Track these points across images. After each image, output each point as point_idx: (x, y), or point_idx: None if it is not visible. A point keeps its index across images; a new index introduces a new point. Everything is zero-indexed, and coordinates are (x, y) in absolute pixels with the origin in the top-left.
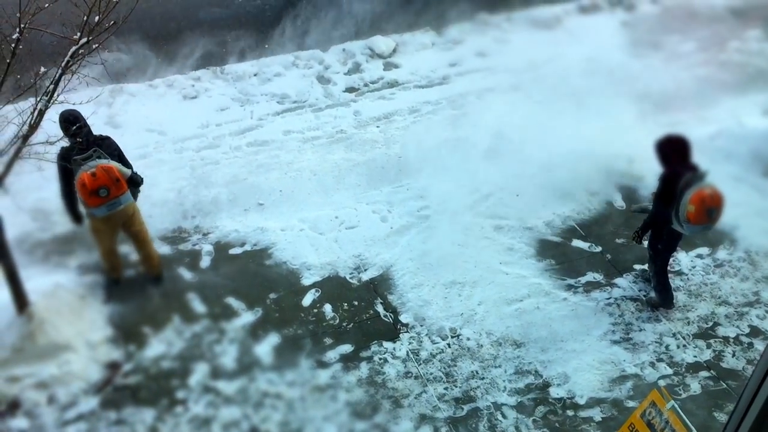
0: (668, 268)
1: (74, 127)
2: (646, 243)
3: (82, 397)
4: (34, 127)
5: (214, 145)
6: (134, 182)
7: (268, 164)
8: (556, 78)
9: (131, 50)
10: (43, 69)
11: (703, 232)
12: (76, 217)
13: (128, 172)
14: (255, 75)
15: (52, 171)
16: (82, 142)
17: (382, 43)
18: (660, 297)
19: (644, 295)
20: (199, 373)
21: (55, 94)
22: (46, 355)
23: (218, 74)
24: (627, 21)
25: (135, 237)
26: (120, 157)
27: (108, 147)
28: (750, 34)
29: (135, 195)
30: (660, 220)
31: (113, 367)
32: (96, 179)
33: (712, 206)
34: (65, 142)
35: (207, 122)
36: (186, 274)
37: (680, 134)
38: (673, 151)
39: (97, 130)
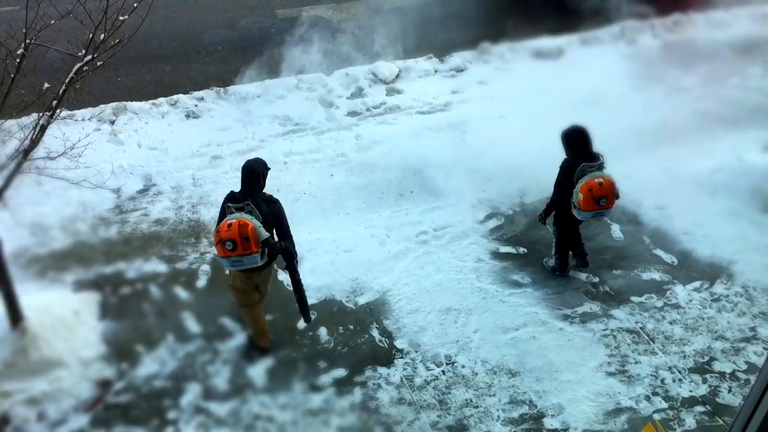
0: (581, 247)
1: (248, 178)
2: (549, 225)
3: (72, 415)
4: (35, 142)
5: (215, 164)
6: (272, 250)
7: (269, 185)
8: (557, 108)
9: (136, 69)
10: (47, 85)
11: (597, 217)
12: None
13: (265, 234)
14: (258, 96)
15: (51, 186)
16: (243, 194)
17: (385, 68)
18: (556, 263)
19: (641, 327)
20: (191, 393)
21: (58, 110)
22: (38, 371)
23: (222, 95)
24: (628, 54)
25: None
26: (279, 224)
27: (269, 209)
28: (750, 71)
29: (269, 262)
30: (559, 205)
31: (105, 385)
32: (228, 230)
33: (600, 195)
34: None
35: (209, 142)
36: (182, 293)
37: (581, 125)
38: (574, 141)
39: (98, 146)
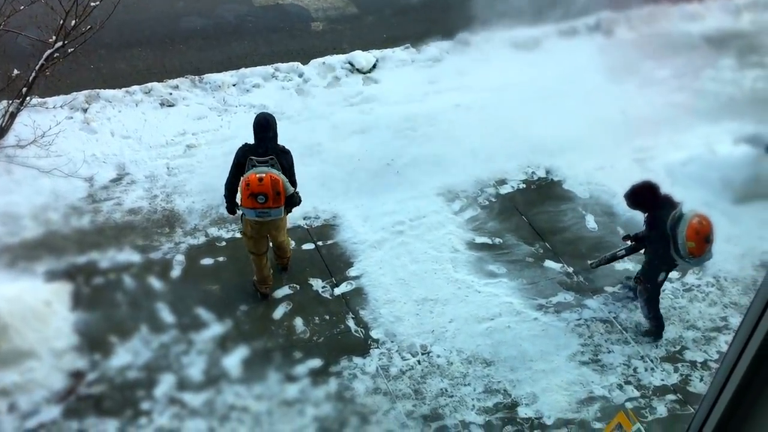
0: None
1: (263, 131)
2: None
3: (44, 406)
4: (5, 129)
5: (190, 153)
6: (292, 202)
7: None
8: (533, 99)
9: (109, 56)
10: (16, 71)
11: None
12: (232, 209)
13: (291, 189)
14: (234, 85)
15: (22, 174)
16: (265, 147)
17: (362, 58)
18: (655, 325)
19: (614, 317)
20: (165, 384)
21: (28, 98)
22: (9, 362)
23: (197, 83)
24: (604, 46)
25: (278, 247)
26: (290, 173)
27: (285, 160)
28: (724, 63)
29: (288, 212)
30: (657, 261)
31: (77, 375)
32: (261, 185)
33: (707, 234)
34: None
35: (184, 130)
36: (156, 284)
37: (645, 181)
38: (645, 198)
39: (70, 135)
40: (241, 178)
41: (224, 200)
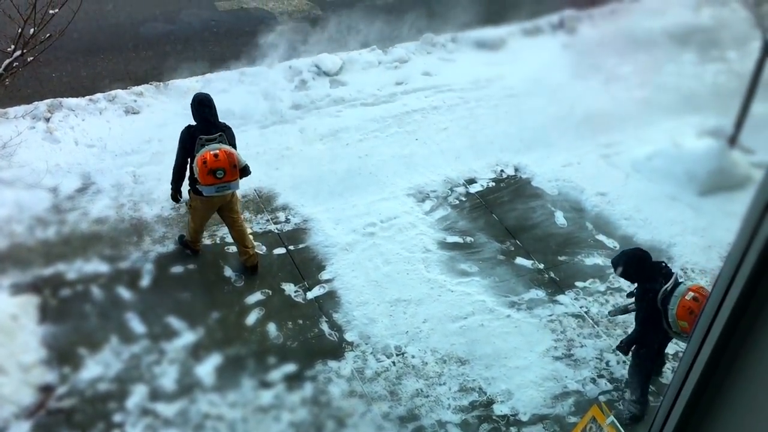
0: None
1: (206, 110)
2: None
3: (13, 422)
4: None
5: (157, 161)
6: (245, 172)
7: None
8: (499, 98)
9: (71, 64)
10: None
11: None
12: (177, 193)
13: (244, 161)
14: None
15: None
16: (212, 124)
17: (329, 60)
18: (641, 408)
19: (585, 312)
20: (138, 395)
21: None
22: None
23: (161, 89)
24: (568, 44)
25: (231, 224)
26: (235, 147)
27: (230, 135)
28: (685, 58)
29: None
30: (650, 336)
31: (46, 390)
32: (217, 160)
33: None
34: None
35: (149, 138)
36: (125, 293)
37: (635, 249)
38: (637, 269)
39: (33, 145)
40: (197, 156)
41: (171, 186)
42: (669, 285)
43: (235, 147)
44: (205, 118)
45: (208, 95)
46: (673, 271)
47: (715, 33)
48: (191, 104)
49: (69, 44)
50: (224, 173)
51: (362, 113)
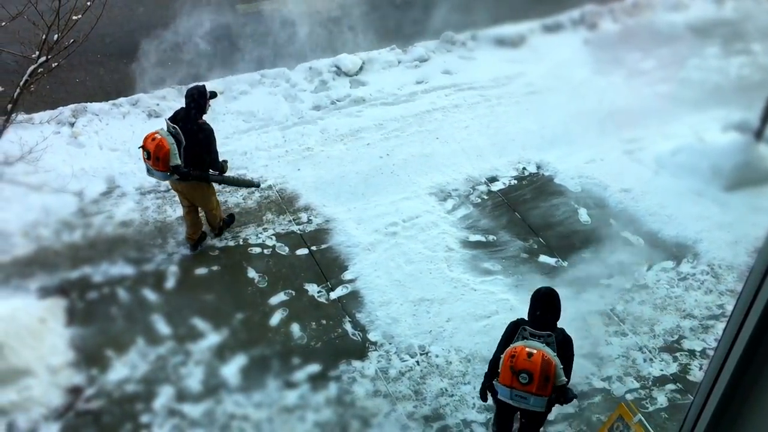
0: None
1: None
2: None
3: (42, 424)
4: None
5: None
6: (183, 175)
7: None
8: (520, 95)
9: (94, 69)
10: (0, 88)
11: (519, 402)
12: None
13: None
14: (221, 93)
15: (11, 191)
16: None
17: (349, 60)
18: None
19: (611, 309)
20: (164, 396)
21: (13, 114)
22: (6, 381)
23: (183, 92)
24: (589, 39)
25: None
26: (207, 149)
27: (200, 134)
28: (709, 52)
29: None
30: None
31: (75, 391)
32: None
33: (519, 368)
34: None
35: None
36: (150, 295)
37: (546, 289)
38: (537, 303)
39: (58, 149)
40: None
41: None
42: (522, 329)
43: (207, 149)
44: (185, 107)
45: (192, 88)
46: (549, 333)
47: (739, 25)
48: (206, 97)
49: (92, 49)
50: (148, 156)
51: (383, 113)
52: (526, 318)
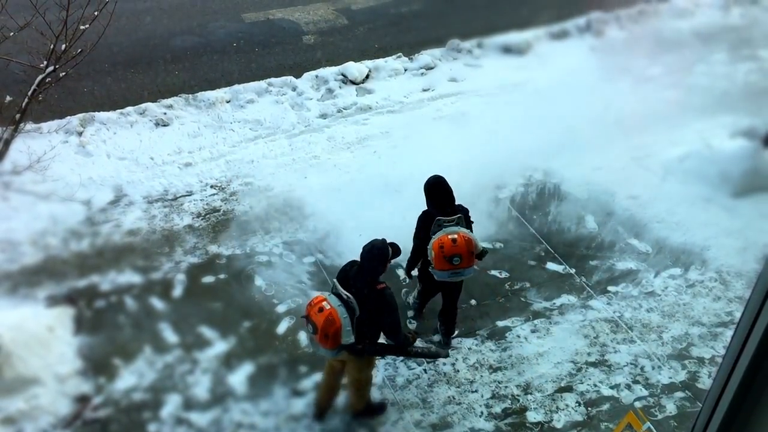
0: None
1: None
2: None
3: None
4: (0, 156)
5: (187, 172)
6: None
7: (242, 191)
8: (527, 102)
9: (102, 78)
10: (9, 98)
11: (454, 277)
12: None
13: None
14: (228, 102)
15: (19, 200)
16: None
17: (355, 69)
18: (414, 304)
19: (619, 317)
20: (172, 404)
21: (22, 124)
22: (14, 389)
23: (190, 101)
24: (595, 46)
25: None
26: (380, 316)
27: (376, 303)
28: (715, 58)
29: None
30: (420, 258)
31: (83, 400)
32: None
33: (452, 253)
34: None
35: (179, 149)
36: (158, 304)
37: (440, 177)
38: (431, 192)
39: (66, 158)
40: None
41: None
42: (446, 219)
43: (378, 314)
44: (361, 267)
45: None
46: (463, 219)
47: (746, 31)
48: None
49: (100, 59)
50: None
51: (389, 120)
52: (428, 208)
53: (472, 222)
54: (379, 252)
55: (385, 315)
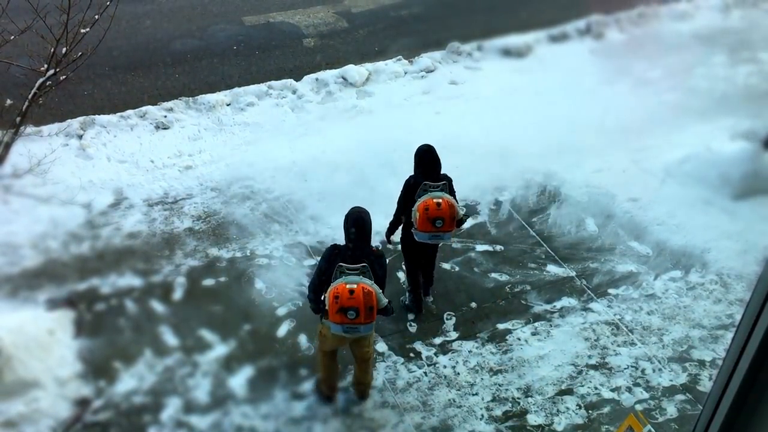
0: (433, 275)
1: (363, 233)
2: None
3: None
4: (0, 159)
5: (187, 175)
6: (385, 312)
7: (242, 194)
8: (527, 105)
9: (102, 82)
10: (9, 101)
11: (434, 240)
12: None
13: (384, 302)
14: (228, 105)
15: (20, 203)
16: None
17: (355, 71)
18: (410, 295)
19: (619, 319)
20: (172, 407)
21: (22, 127)
22: (14, 393)
23: (191, 104)
24: (595, 49)
25: (359, 358)
26: (384, 275)
27: (379, 267)
28: (715, 61)
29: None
30: (400, 222)
31: (83, 403)
32: (352, 298)
33: (435, 216)
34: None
35: (180, 152)
36: (158, 307)
37: (429, 145)
38: (421, 160)
39: (66, 162)
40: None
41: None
42: (433, 184)
43: (382, 277)
44: (355, 239)
45: (363, 213)
46: (447, 186)
47: (746, 34)
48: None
49: (100, 62)
50: (356, 315)
51: (389, 123)
52: (415, 174)
53: (455, 192)
54: (368, 221)
55: (385, 274)
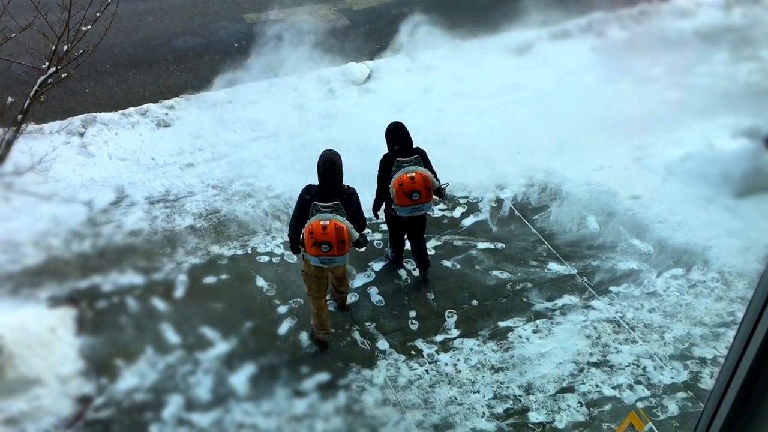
0: (421, 243)
1: (333, 173)
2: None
3: None
4: (2, 157)
5: (189, 173)
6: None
7: (244, 191)
8: (529, 102)
9: (104, 79)
10: (10, 99)
11: (414, 213)
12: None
13: (356, 235)
14: (229, 102)
15: (21, 201)
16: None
17: (357, 69)
18: (391, 255)
19: (621, 317)
20: (173, 405)
21: (24, 125)
22: (16, 390)
23: (192, 102)
24: (597, 46)
25: (336, 275)
26: (355, 212)
27: (351, 203)
28: (717, 58)
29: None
30: (384, 198)
31: (84, 401)
32: (325, 233)
33: (411, 189)
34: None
35: (181, 150)
36: (160, 305)
37: (398, 121)
38: (390, 136)
39: (68, 159)
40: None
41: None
42: (405, 159)
43: (356, 209)
44: (325, 178)
45: (332, 155)
46: (420, 159)
47: (748, 31)
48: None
49: (101, 60)
50: (329, 248)
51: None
52: (388, 151)
53: (430, 163)
54: (339, 162)
55: (359, 209)
